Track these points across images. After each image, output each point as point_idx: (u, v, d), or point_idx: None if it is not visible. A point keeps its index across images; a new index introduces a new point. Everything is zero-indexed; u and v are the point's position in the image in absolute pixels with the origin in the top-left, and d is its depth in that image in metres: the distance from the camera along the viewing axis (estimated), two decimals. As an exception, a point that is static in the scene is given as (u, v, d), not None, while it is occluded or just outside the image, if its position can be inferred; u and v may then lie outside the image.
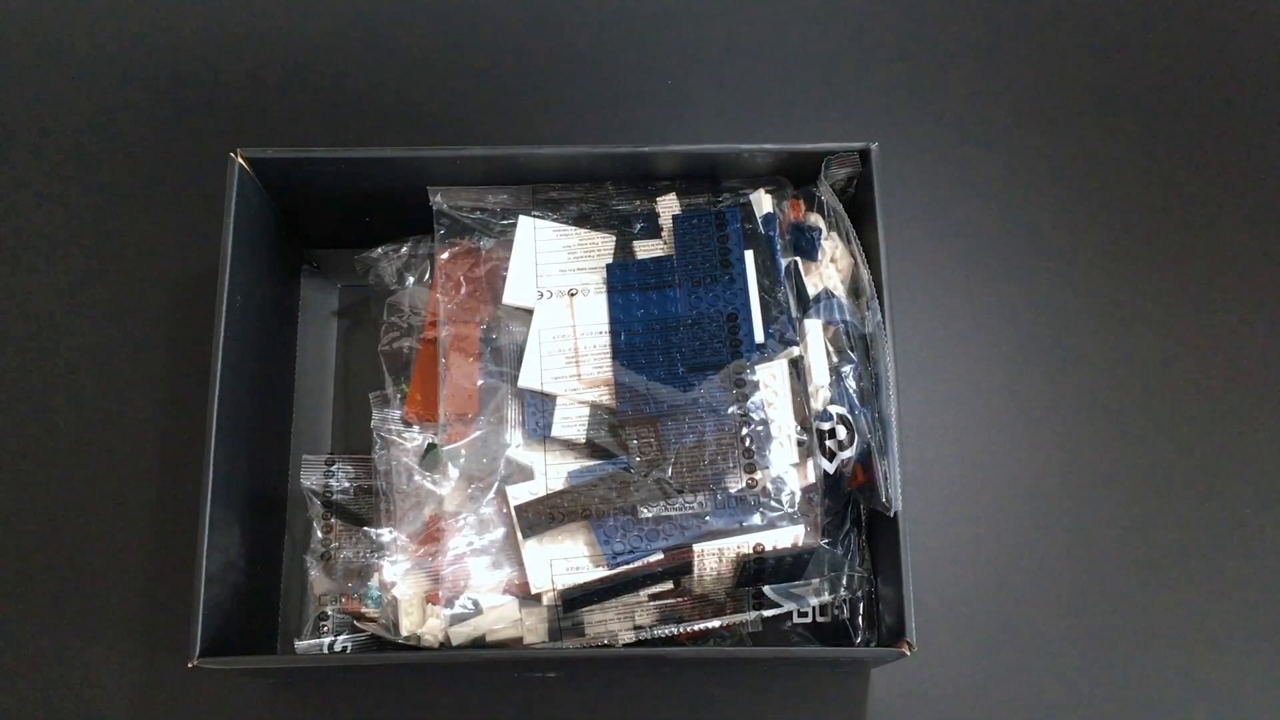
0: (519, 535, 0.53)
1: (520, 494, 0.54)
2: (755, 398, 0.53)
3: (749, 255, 0.56)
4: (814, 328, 0.56)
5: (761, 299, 0.55)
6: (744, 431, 0.53)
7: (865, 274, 0.57)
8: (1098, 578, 0.66)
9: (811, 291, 0.57)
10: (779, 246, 0.57)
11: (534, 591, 0.52)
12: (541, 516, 0.53)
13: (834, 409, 0.54)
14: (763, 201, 0.59)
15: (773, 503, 0.52)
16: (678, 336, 0.55)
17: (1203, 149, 0.76)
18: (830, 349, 0.56)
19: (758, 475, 0.52)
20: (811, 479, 0.55)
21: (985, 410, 0.70)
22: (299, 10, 0.78)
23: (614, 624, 0.55)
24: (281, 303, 0.67)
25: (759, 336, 0.55)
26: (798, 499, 0.53)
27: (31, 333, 0.69)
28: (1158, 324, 0.72)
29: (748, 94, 0.76)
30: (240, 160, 0.57)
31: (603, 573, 0.52)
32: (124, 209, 0.72)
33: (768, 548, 0.52)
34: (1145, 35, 0.79)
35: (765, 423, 0.53)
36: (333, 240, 0.68)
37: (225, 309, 0.55)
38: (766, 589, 0.54)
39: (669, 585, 0.55)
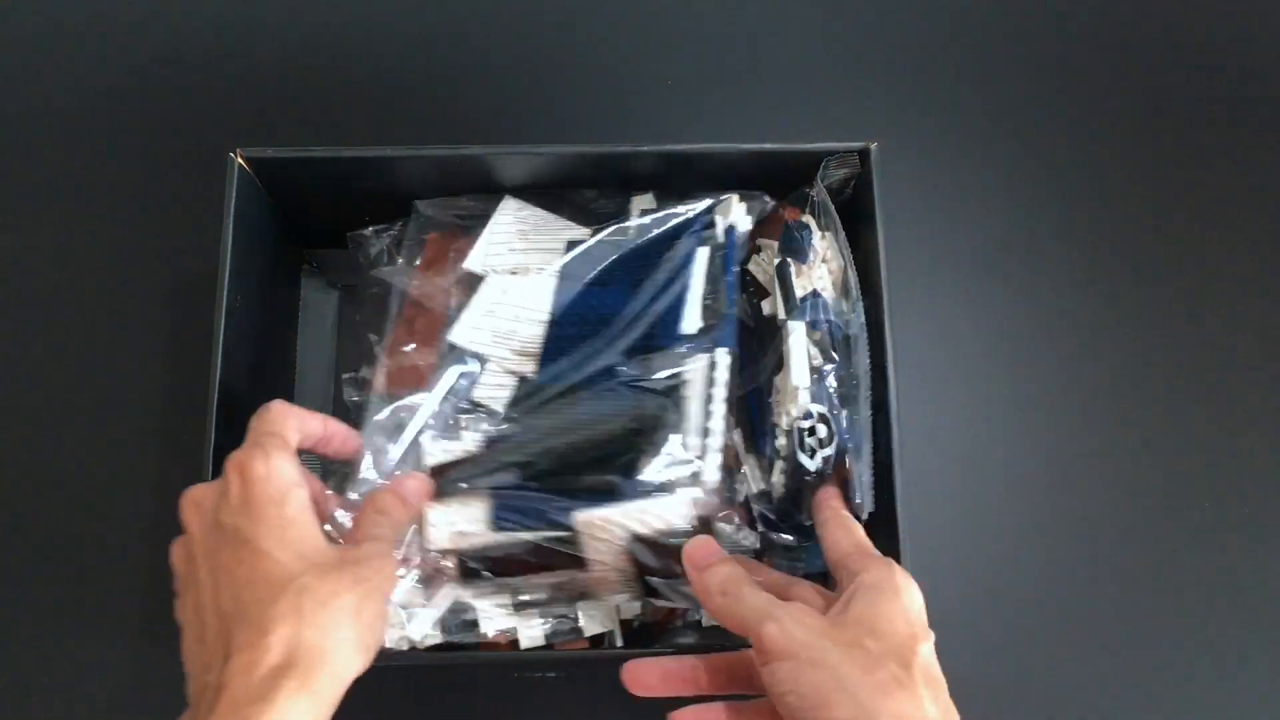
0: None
1: (436, 452, 0.54)
2: (678, 390, 0.54)
3: (701, 255, 0.57)
4: (797, 329, 0.56)
5: (704, 304, 0.56)
6: (649, 417, 0.53)
7: (852, 274, 0.57)
8: (1098, 577, 0.66)
9: (800, 293, 0.58)
10: (735, 256, 0.58)
11: (430, 546, 0.52)
12: (450, 477, 0.53)
13: (814, 407, 0.54)
14: (730, 209, 0.59)
15: (673, 488, 0.52)
16: (611, 330, 0.56)
17: (1203, 149, 0.76)
18: (813, 350, 0.56)
19: (657, 462, 0.52)
20: (757, 488, 0.55)
21: (985, 410, 0.70)
22: (299, 10, 0.78)
23: (503, 618, 0.54)
24: (281, 303, 0.67)
25: (689, 328, 0.55)
26: (706, 488, 0.52)
27: (31, 333, 0.69)
28: (1157, 323, 0.72)
29: (747, 94, 0.76)
30: (240, 160, 0.57)
31: (490, 536, 0.52)
32: (124, 209, 0.72)
33: (654, 526, 0.51)
34: (1145, 35, 0.79)
35: (671, 415, 0.53)
36: (333, 240, 0.68)
37: (225, 309, 0.55)
38: (657, 582, 0.53)
39: (568, 575, 0.54)
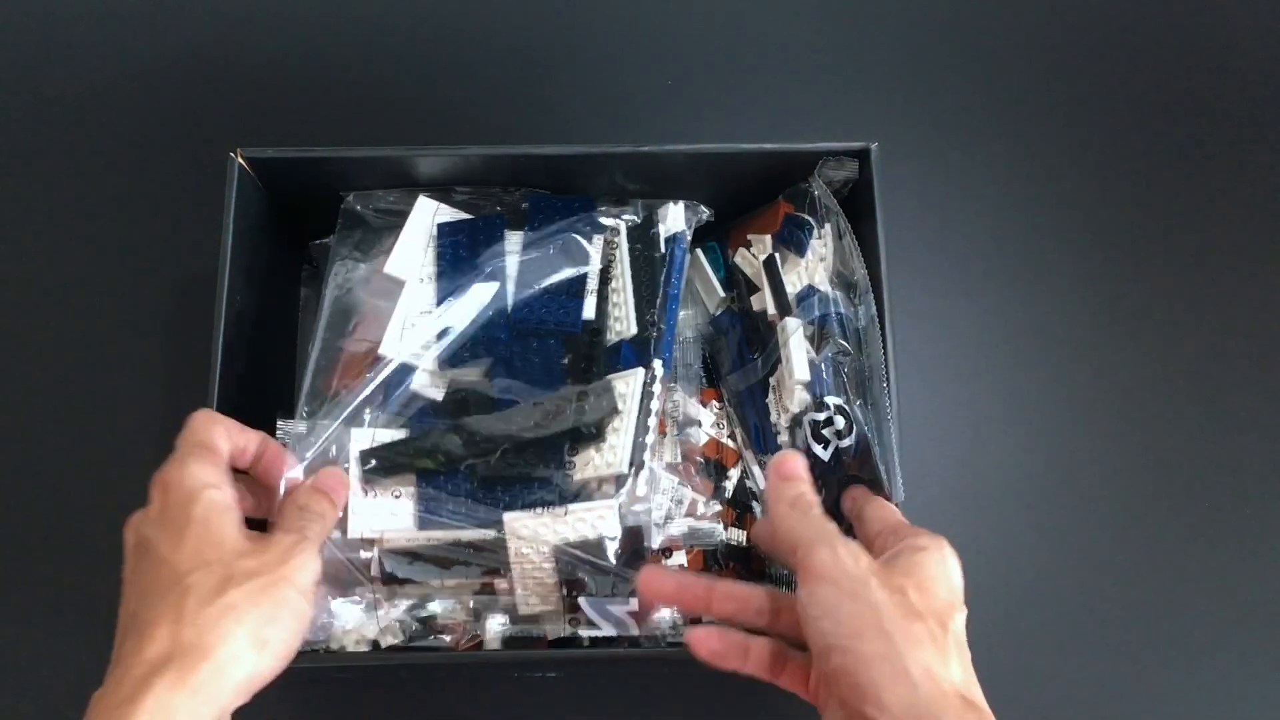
0: (355, 482, 0.52)
1: (363, 439, 0.53)
2: (607, 399, 0.53)
3: (624, 258, 0.58)
4: (795, 326, 0.56)
5: (639, 313, 0.56)
6: (583, 424, 0.52)
7: (859, 267, 0.57)
8: (1097, 576, 0.66)
9: (792, 289, 0.58)
10: (681, 266, 0.58)
11: (350, 535, 0.51)
12: (380, 462, 0.52)
13: (831, 399, 0.54)
14: (669, 216, 0.59)
15: (594, 497, 0.51)
16: (522, 326, 0.56)
17: (1203, 150, 0.76)
18: (810, 347, 0.56)
19: (583, 471, 0.52)
20: (762, 484, 0.54)
21: (984, 409, 0.70)
22: (299, 10, 0.78)
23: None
24: (281, 303, 0.67)
25: (626, 334, 0.55)
26: (625, 496, 0.52)
27: (31, 332, 0.69)
28: (1156, 322, 0.72)
29: (748, 94, 0.76)
30: (240, 160, 0.57)
31: (413, 531, 0.51)
32: (124, 209, 0.72)
33: (581, 533, 0.51)
34: (1145, 36, 0.79)
35: (605, 422, 0.53)
36: (333, 240, 0.68)
37: (225, 309, 0.55)
38: (581, 600, 0.52)
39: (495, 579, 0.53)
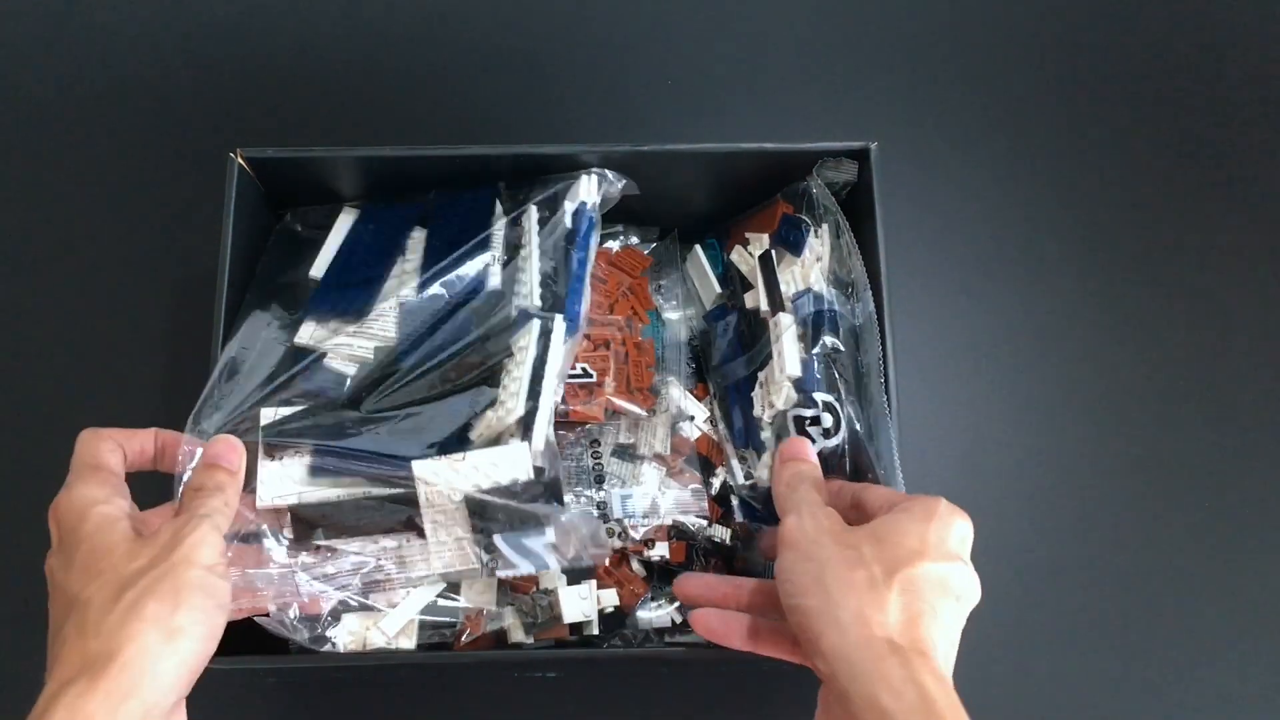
0: (260, 451, 0.51)
1: (269, 414, 0.52)
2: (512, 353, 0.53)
3: (530, 231, 0.57)
4: (787, 322, 0.56)
5: (543, 285, 0.56)
6: (483, 372, 0.52)
7: (856, 262, 0.57)
8: (1097, 575, 0.66)
9: (788, 288, 0.58)
10: (590, 234, 0.57)
11: (259, 505, 0.50)
12: (283, 432, 0.51)
13: (820, 396, 0.54)
14: (580, 188, 0.59)
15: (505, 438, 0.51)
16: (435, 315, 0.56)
17: (1203, 149, 0.76)
18: (802, 345, 0.56)
19: (482, 431, 0.51)
20: (741, 479, 0.54)
21: (984, 409, 0.70)
22: (299, 11, 0.78)
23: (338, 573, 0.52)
24: (281, 303, 0.67)
25: (526, 304, 0.55)
26: (534, 446, 0.51)
27: (31, 332, 0.69)
28: (1156, 322, 0.72)
29: (748, 94, 0.76)
30: (240, 160, 0.57)
31: (323, 492, 0.50)
32: (125, 208, 0.72)
33: (492, 478, 0.50)
34: (1145, 36, 0.79)
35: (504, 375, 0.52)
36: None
37: (225, 309, 0.55)
38: (496, 538, 0.51)
39: (407, 535, 0.52)
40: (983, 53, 0.78)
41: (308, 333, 0.55)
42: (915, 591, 0.42)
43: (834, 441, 0.53)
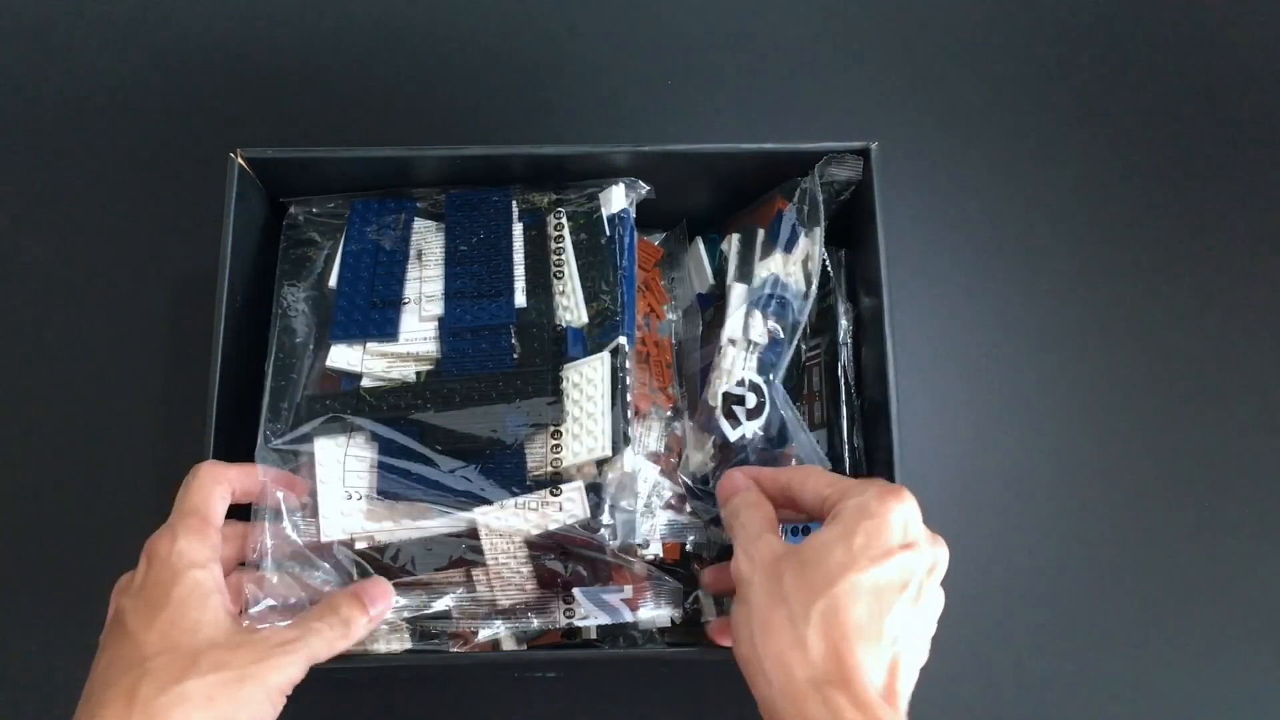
0: (317, 483, 0.51)
1: (328, 445, 0.52)
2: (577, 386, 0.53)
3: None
4: (740, 290, 0.57)
5: (589, 300, 0.56)
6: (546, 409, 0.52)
7: (815, 269, 0.57)
8: (1097, 576, 0.66)
9: (762, 273, 0.58)
10: (631, 245, 0.57)
11: (323, 539, 0.50)
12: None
13: (749, 375, 0.54)
14: (611, 198, 0.59)
15: (560, 487, 0.50)
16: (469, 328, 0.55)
17: (1204, 149, 0.76)
18: (757, 330, 0.56)
19: (559, 457, 0.51)
20: (695, 460, 0.55)
21: (984, 409, 0.70)
22: (300, 11, 0.78)
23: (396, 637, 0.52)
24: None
25: (573, 322, 0.55)
26: (607, 496, 0.51)
27: (31, 332, 0.69)
28: (1156, 323, 0.72)
29: (748, 94, 0.76)
30: (240, 160, 0.57)
31: (387, 531, 0.50)
32: (125, 209, 0.72)
33: (552, 526, 0.49)
34: (1145, 36, 0.79)
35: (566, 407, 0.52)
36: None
37: (225, 309, 0.55)
38: (576, 591, 0.51)
39: (472, 587, 0.52)
40: (983, 53, 0.78)
41: (342, 357, 0.55)
42: (838, 614, 0.41)
43: (756, 425, 0.53)
